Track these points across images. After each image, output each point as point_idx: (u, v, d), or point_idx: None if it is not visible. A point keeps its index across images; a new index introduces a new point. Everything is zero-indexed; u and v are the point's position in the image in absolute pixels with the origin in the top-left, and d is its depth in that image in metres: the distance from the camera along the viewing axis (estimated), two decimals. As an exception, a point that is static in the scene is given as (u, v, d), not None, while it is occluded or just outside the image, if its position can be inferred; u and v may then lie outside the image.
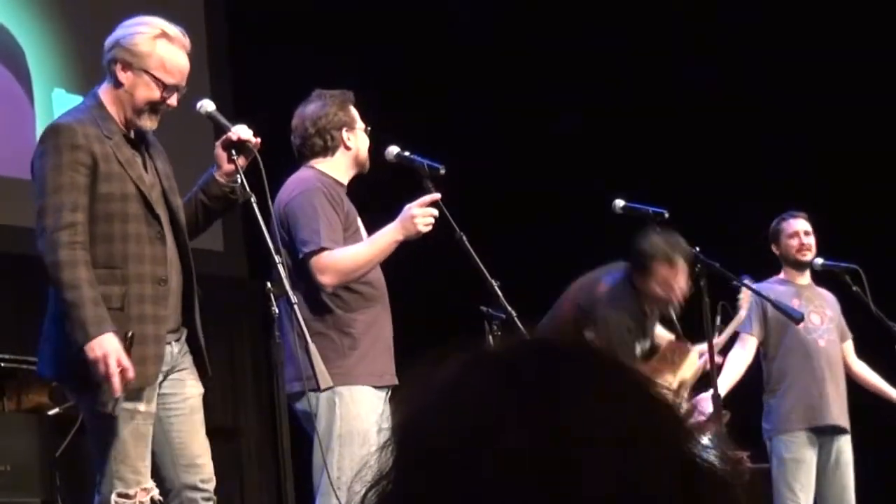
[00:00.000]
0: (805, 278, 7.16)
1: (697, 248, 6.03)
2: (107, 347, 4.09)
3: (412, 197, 5.09)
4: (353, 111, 5.28)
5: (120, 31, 4.46)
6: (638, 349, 6.10)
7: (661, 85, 9.41)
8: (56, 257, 4.13)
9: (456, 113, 9.23)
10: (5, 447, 5.82)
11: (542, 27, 9.63)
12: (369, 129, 5.29)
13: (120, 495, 4.21)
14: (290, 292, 4.35)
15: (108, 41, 4.43)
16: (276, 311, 4.35)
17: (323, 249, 4.90)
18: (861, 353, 7.23)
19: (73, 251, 4.14)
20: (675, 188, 7.83)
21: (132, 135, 4.40)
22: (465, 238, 4.95)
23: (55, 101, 8.10)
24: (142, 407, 4.24)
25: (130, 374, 4.11)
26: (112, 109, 4.38)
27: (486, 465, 1.01)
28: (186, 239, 4.41)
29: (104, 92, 4.41)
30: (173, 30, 4.48)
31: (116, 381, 4.08)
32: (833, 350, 7.01)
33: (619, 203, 6.12)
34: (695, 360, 6.22)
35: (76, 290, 4.11)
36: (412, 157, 5.10)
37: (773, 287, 6.97)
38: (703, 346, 6.11)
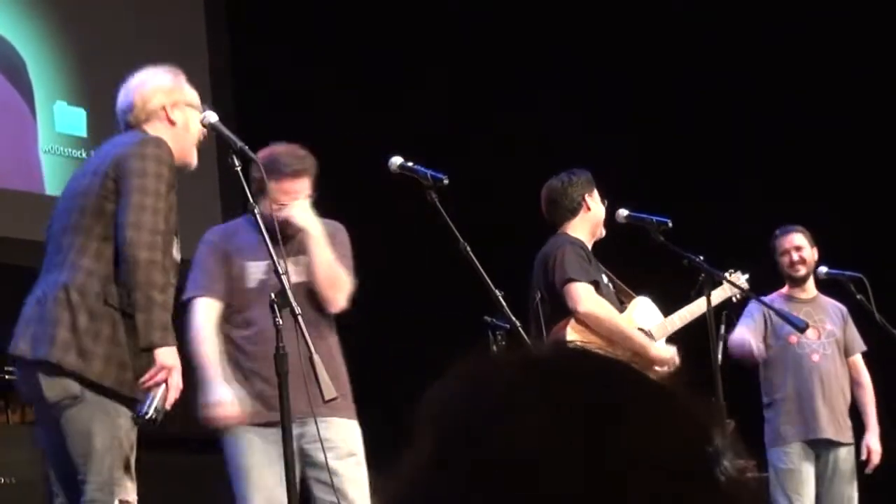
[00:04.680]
0: (808, 292, 7.17)
1: (701, 258, 6.02)
2: (177, 360, 4.26)
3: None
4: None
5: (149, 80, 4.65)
6: (605, 278, 6.05)
7: (664, 92, 9.41)
8: (155, 256, 4.24)
9: (458, 118, 9.23)
10: (9, 460, 5.82)
11: (542, 31, 9.63)
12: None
13: (122, 502, 4.24)
14: (294, 304, 4.34)
15: (140, 94, 4.59)
16: (280, 322, 4.33)
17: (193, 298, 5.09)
18: (866, 361, 7.21)
19: (163, 260, 4.29)
20: (678, 196, 7.82)
21: None
22: (468, 248, 4.94)
23: (57, 114, 8.10)
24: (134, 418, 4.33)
25: (178, 392, 4.28)
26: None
27: (522, 485, 1.00)
28: None
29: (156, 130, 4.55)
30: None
31: (174, 394, 4.24)
32: (828, 365, 7.01)
33: (623, 213, 6.12)
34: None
35: (164, 294, 4.26)
36: (415, 167, 5.08)
37: (773, 303, 6.97)
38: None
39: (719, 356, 6.17)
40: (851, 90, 9.04)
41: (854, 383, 7.13)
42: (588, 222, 6.09)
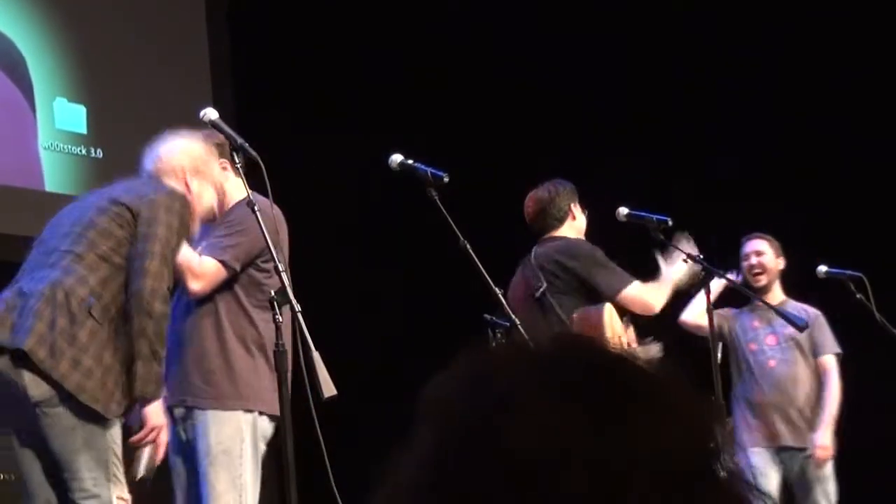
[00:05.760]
0: (773, 300, 6.95)
1: (701, 256, 6.02)
2: (164, 417, 4.38)
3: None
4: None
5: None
6: None
7: (661, 92, 9.40)
8: (167, 310, 4.35)
9: (459, 117, 9.22)
10: (10, 455, 5.80)
11: (539, 32, 9.62)
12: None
13: (120, 498, 4.30)
14: (294, 301, 4.33)
15: (167, 149, 4.74)
16: (280, 318, 4.33)
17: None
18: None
19: None
20: (677, 195, 7.82)
21: None
22: (468, 246, 4.93)
23: (56, 110, 8.09)
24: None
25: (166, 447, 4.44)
26: None
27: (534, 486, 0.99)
28: None
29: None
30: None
31: (163, 451, 4.39)
32: (786, 370, 6.93)
33: (623, 211, 6.12)
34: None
35: (164, 348, 4.34)
36: (416, 165, 5.07)
37: (741, 314, 6.95)
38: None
39: (719, 355, 6.15)
40: (851, 90, 9.03)
41: (823, 383, 6.97)
42: (573, 230, 6.22)
